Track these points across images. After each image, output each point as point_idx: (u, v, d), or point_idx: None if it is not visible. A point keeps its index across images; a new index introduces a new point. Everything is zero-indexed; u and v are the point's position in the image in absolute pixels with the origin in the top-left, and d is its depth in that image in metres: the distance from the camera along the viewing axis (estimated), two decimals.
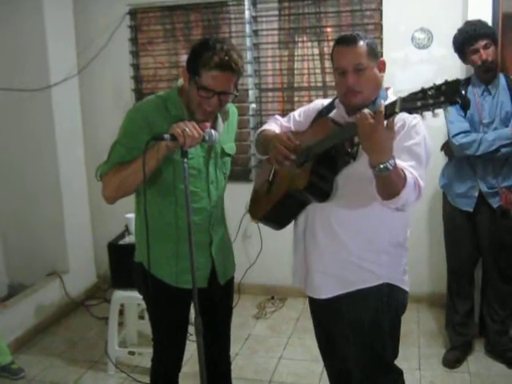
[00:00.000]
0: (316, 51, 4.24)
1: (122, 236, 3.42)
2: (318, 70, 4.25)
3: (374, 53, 1.96)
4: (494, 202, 3.13)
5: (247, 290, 4.35)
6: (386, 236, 2.02)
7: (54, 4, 4.10)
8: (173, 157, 2.05)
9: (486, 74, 3.10)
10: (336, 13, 4.14)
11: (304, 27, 4.24)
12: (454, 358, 3.35)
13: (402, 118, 1.78)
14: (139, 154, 1.95)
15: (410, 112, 1.56)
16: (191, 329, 2.23)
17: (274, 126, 2.32)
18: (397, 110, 1.57)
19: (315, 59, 4.24)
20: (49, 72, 4.08)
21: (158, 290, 2.19)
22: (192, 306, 2.11)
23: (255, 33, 4.31)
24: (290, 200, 2.06)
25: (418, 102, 1.52)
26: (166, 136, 1.89)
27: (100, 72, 4.47)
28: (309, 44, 4.26)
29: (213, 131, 1.98)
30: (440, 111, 1.54)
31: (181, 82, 2.15)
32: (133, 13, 4.44)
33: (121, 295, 3.36)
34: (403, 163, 1.76)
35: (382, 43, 3.91)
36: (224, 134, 2.23)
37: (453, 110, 2.97)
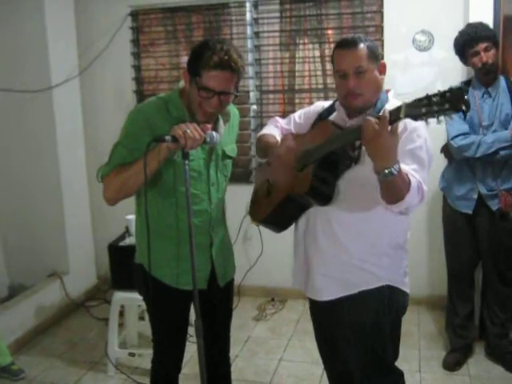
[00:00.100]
0: (317, 53, 4.24)
1: (122, 237, 3.43)
2: (319, 72, 4.26)
3: (375, 55, 1.96)
4: (493, 205, 3.13)
5: (247, 291, 4.35)
6: (388, 239, 2.03)
7: (55, 4, 4.11)
8: (173, 159, 2.05)
9: (486, 77, 3.10)
10: (337, 15, 4.15)
11: (305, 29, 4.24)
12: (454, 361, 3.35)
13: (403, 121, 1.78)
14: (140, 156, 1.95)
15: (415, 119, 1.56)
16: (191, 330, 2.24)
17: (274, 129, 2.31)
18: (401, 115, 1.57)
19: (316, 61, 4.25)
20: (50, 73, 4.09)
21: (159, 292, 2.19)
22: (192, 307, 2.11)
23: (256, 35, 4.31)
24: (290, 203, 2.06)
25: (423, 108, 1.52)
26: (168, 137, 1.89)
27: (101, 73, 4.48)
28: (310, 46, 4.26)
29: (214, 133, 1.98)
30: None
31: (182, 83, 2.15)
32: (134, 14, 4.45)
33: (121, 296, 3.36)
34: (406, 167, 1.76)
35: (382, 45, 3.91)
36: (225, 135, 2.23)
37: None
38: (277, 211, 2.10)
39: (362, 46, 1.92)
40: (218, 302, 2.35)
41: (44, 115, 4.15)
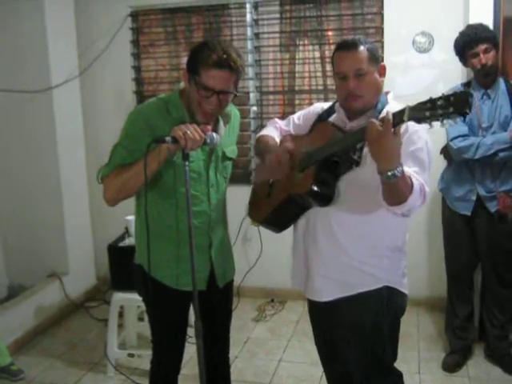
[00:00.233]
0: (317, 54, 4.25)
1: (122, 238, 3.43)
2: (319, 74, 4.26)
3: (375, 57, 1.96)
4: (492, 206, 3.13)
5: (247, 292, 4.35)
6: (387, 241, 2.03)
7: (55, 5, 4.11)
8: (174, 160, 2.06)
9: (485, 79, 3.10)
10: (337, 16, 4.15)
11: (305, 30, 4.24)
12: (453, 362, 3.35)
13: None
14: (140, 157, 1.95)
15: (419, 122, 1.56)
16: (190, 331, 2.24)
17: (273, 130, 2.31)
18: (405, 118, 1.58)
19: (316, 62, 4.25)
20: (50, 73, 4.09)
21: (158, 292, 2.19)
22: (191, 308, 2.11)
23: (256, 36, 4.31)
24: (290, 204, 2.06)
25: (427, 111, 1.53)
26: (168, 138, 1.89)
27: (101, 74, 4.48)
28: (310, 47, 4.27)
29: (214, 134, 1.98)
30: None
31: (182, 84, 2.15)
32: (134, 15, 4.45)
33: (120, 297, 3.36)
34: (408, 169, 1.76)
35: (382, 47, 3.91)
36: (225, 137, 2.23)
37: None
38: (277, 212, 2.11)
39: (362, 48, 1.93)
40: (217, 302, 2.35)
41: (44, 116, 4.15)
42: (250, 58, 4.30)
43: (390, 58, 3.86)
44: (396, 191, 1.72)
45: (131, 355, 3.41)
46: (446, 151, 3.27)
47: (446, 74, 3.78)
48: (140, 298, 2.35)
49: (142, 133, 2.04)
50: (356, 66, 1.91)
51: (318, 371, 3.22)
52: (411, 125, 1.85)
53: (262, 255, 4.31)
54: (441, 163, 3.34)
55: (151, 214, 2.09)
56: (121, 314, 3.57)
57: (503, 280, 3.28)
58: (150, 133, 2.01)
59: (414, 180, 1.75)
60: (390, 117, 1.60)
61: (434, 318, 3.97)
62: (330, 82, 4.20)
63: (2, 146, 4.25)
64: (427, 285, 4.10)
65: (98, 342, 3.79)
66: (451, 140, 3.09)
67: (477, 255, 3.32)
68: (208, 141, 1.96)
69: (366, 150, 1.89)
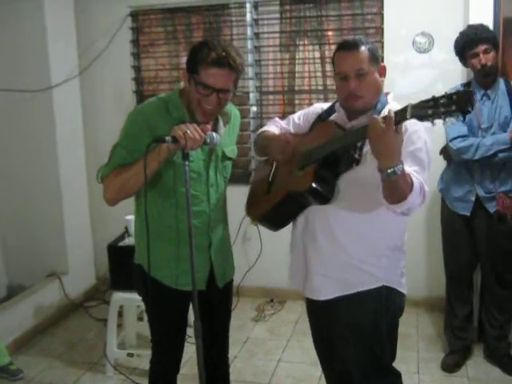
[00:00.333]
0: (317, 54, 4.25)
1: (121, 238, 3.43)
2: (319, 74, 4.26)
3: (375, 58, 1.98)
4: (491, 207, 3.13)
5: (246, 292, 4.35)
6: (387, 240, 2.04)
7: (54, 4, 4.11)
8: (173, 159, 2.06)
9: (485, 79, 3.10)
10: (337, 16, 4.15)
11: (305, 30, 4.24)
12: (452, 363, 3.35)
13: (403, 123, 1.79)
14: (140, 157, 1.95)
15: (421, 119, 1.57)
16: (190, 331, 2.24)
17: (274, 128, 2.32)
18: (408, 116, 1.59)
19: (316, 62, 4.25)
20: (50, 73, 4.09)
21: (158, 292, 2.19)
22: (191, 308, 2.11)
23: (256, 35, 4.31)
24: (290, 202, 2.06)
25: (429, 109, 1.54)
26: (168, 138, 1.89)
27: (101, 73, 4.48)
28: (310, 47, 4.27)
29: (214, 134, 1.98)
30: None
31: (182, 84, 2.15)
32: (134, 15, 4.45)
33: (120, 297, 3.36)
34: (407, 168, 1.77)
35: (382, 47, 3.91)
36: (225, 137, 2.23)
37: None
38: (276, 209, 2.11)
39: (363, 48, 1.94)
40: (217, 302, 2.35)
41: (44, 115, 4.15)
42: (249, 58, 4.30)
43: (389, 59, 3.86)
44: (396, 189, 1.73)
45: (130, 355, 3.41)
46: (445, 152, 3.27)
47: (445, 74, 3.78)
48: (139, 298, 2.35)
49: (141, 133, 2.04)
50: (357, 66, 1.92)
51: (317, 371, 3.22)
52: (411, 125, 1.87)
53: (261, 255, 4.31)
54: (440, 164, 3.34)
55: (151, 214, 2.10)
56: (120, 314, 3.57)
57: (502, 280, 3.29)
58: (149, 133, 2.01)
59: (413, 179, 1.76)
60: (392, 114, 1.62)
61: (433, 319, 3.97)
62: (329, 82, 4.20)
63: (2, 146, 4.25)
64: (426, 285, 4.10)
65: (97, 342, 3.79)
66: (451, 140, 3.09)
67: (476, 256, 3.32)
68: (208, 140, 1.96)
69: (366, 148, 1.90)
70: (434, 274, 4.00)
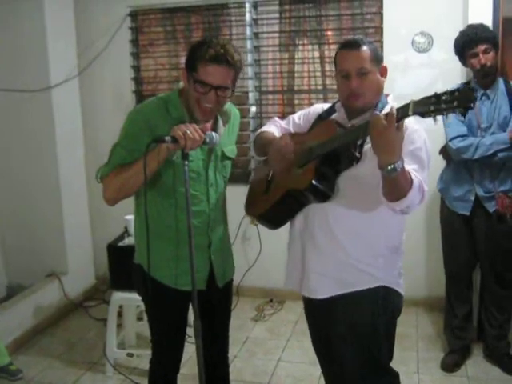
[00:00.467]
0: (316, 54, 4.24)
1: (121, 237, 3.43)
2: (319, 73, 4.26)
3: (377, 58, 1.99)
4: (490, 207, 3.14)
5: (246, 292, 4.35)
6: (385, 240, 2.04)
7: (54, 4, 4.11)
8: (173, 159, 2.05)
9: (484, 79, 3.10)
10: (337, 16, 4.15)
11: (305, 30, 4.24)
12: (452, 362, 3.35)
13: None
14: (140, 156, 1.95)
15: (423, 115, 1.58)
16: (189, 331, 2.24)
17: (274, 128, 2.33)
18: (410, 112, 1.60)
19: (315, 62, 4.25)
20: (49, 73, 4.09)
21: (157, 292, 2.19)
22: (191, 307, 2.11)
23: (256, 35, 4.31)
24: (289, 199, 2.06)
25: (431, 106, 1.55)
26: (167, 138, 1.89)
27: (100, 73, 4.48)
28: (309, 47, 4.27)
29: (214, 134, 1.98)
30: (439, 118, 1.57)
31: (181, 84, 2.15)
32: (133, 14, 4.45)
33: (119, 297, 3.36)
34: (407, 167, 1.77)
35: (382, 47, 3.91)
36: (225, 136, 2.23)
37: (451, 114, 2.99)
38: (275, 208, 2.11)
39: (365, 47, 1.96)
40: (216, 302, 2.35)
41: (43, 115, 4.15)
42: (249, 58, 4.30)
43: (389, 58, 3.85)
44: (396, 186, 1.73)
45: (130, 355, 3.41)
46: (445, 151, 3.28)
47: (445, 74, 3.78)
48: (139, 298, 2.36)
49: (141, 133, 2.04)
50: (359, 64, 1.94)
51: (317, 371, 3.21)
52: (411, 125, 1.88)
53: (261, 254, 4.31)
54: (440, 163, 3.34)
55: (151, 214, 2.09)
56: (120, 314, 3.57)
57: (502, 280, 3.29)
58: (149, 132, 2.01)
59: (413, 176, 1.76)
60: (394, 111, 1.63)
61: (432, 318, 3.97)
62: (329, 81, 4.21)
63: (1, 146, 4.25)
64: (426, 285, 4.11)
65: (96, 342, 3.79)
66: (450, 140, 3.09)
67: (475, 255, 3.32)
68: (207, 140, 1.96)
69: (366, 147, 1.90)
70: (433, 273, 4.00)
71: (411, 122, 1.87)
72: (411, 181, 1.74)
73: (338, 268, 2.04)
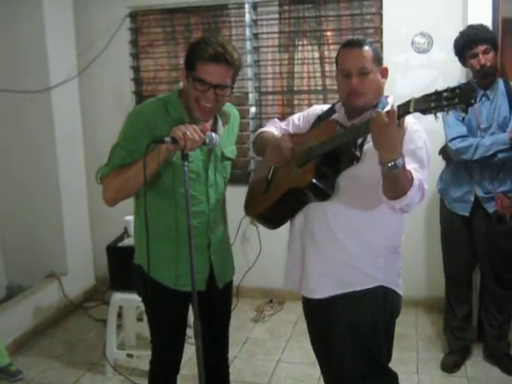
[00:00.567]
0: (316, 55, 4.24)
1: (121, 238, 3.43)
2: (318, 74, 4.26)
3: (379, 58, 2.01)
4: (490, 207, 3.14)
5: (246, 293, 4.35)
6: (385, 241, 2.04)
7: (54, 5, 4.11)
8: (172, 160, 2.05)
9: (484, 80, 3.10)
10: (336, 16, 4.15)
11: (304, 31, 4.24)
12: (452, 363, 3.35)
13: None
14: (140, 157, 1.95)
15: (424, 112, 1.59)
16: (189, 331, 2.24)
17: (273, 128, 2.33)
18: (411, 109, 1.61)
19: (315, 63, 4.25)
20: (49, 73, 4.09)
21: (157, 293, 2.19)
22: (190, 308, 2.11)
23: (255, 36, 4.31)
24: (289, 199, 2.07)
25: (432, 103, 1.56)
26: (167, 139, 1.89)
27: (100, 74, 4.48)
28: (309, 47, 4.26)
29: (213, 134, 1.98)
30: (440, 115, 1.58)
31: (181, 84, 2.15)
32: (133, 15, 4.45)
33: (119, 297, 3.36)
34: (407, 165, 1.78)
35: (381, 47, 3.91)
36: (224, 137, 2.23)
37: (451, 114, 3.00)
38: (275, 207, 2.11)
39: (367, 47, 1.97)
40: (216, 303, 2.35)
41: (43, 116, 4.15)
42: (248, 59, 4.30)
43: (389, 59, 3.84)
44: (396, 183, 1.74)
45: (130, 355, 3.41)
46: (444, 152, 3.28)
47: (445, 74, 3.78)
48: (139, 299, 2.35)
49: (141, 133, 2.04)
50: (360, 64, 1.95)
51: (317, 371, 3.20)
52: (411, 125, 1.88)
53: (260, 255, 4.31)
54: (439, 164, 3.34)
55: (150, 215, 2.09)
56: (120, 315, 3.57)
57: (501, 280, 3.29)
58: (149, 133, 2.01)
59: (413, 175, 1.77)
60: (395, 108, 1.64)
61: (432, 319, 3.97)
62: (328, 82, 4.21)
63: (1, 146, 4.25)
64: (425, 285, 4.10)
65: (96, 343, 3.79)
66: (450, 141, 3.09)
67: (475, 256, 3.32)
68: (207, 141, 1.96)
69: (366, 146, 1.91)
70: (433, 274, 4.00)
71: (411, 123, 1.88)
72: (411, 179, 1.75)
73: (337, 268, 2.05)
